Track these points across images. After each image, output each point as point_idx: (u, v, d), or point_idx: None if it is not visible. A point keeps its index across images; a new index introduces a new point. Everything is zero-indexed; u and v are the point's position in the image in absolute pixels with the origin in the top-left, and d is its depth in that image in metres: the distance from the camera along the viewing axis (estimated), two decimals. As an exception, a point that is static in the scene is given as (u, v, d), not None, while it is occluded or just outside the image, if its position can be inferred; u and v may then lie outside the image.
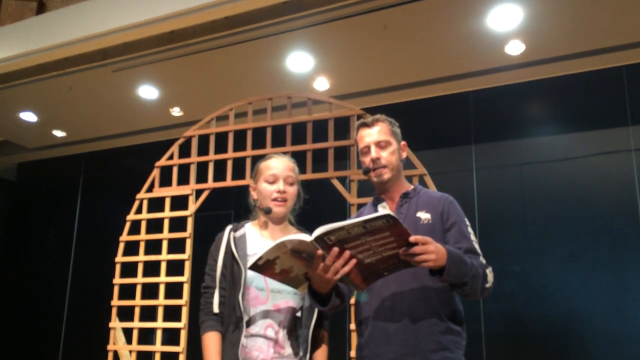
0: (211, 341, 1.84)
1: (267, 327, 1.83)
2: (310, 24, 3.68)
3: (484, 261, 1.79)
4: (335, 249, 1.50)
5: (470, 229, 1.86)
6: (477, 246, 1.82)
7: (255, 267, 1.61)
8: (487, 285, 1.75)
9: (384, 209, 1.91)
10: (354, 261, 1.53)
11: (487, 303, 4.05)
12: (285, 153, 3.03)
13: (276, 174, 1.95)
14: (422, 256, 1.51)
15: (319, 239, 1.49)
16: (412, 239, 1.50)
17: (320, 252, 1.51)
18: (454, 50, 3.93)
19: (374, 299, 1.81)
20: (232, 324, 1.83)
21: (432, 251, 1.52)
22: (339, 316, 1.93)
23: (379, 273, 1.60)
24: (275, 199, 1.93)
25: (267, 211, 1.94)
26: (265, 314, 1.84)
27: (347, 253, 1.51)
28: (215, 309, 1.86)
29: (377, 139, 1.89)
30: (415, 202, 1.89)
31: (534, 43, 3.80)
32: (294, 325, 1.88)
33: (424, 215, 1.84)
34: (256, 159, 2.17)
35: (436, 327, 1.73)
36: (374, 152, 1.88)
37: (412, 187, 1.97)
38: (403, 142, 1.97)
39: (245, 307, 1.84)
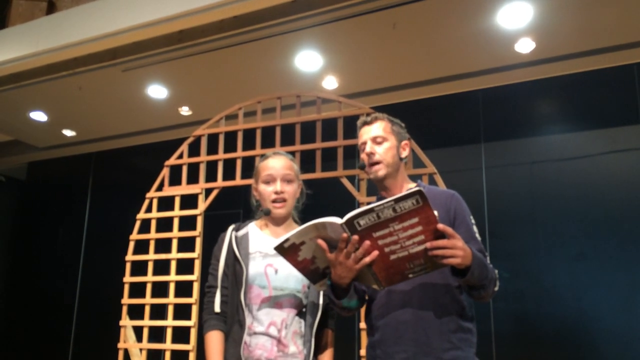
0: (213, 340, 1.84)
1: (270, 325, 1.82)
2: (319, 22, 3.68)
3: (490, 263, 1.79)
4: (356, 237, 1.50)
5: (475, 228, 1.85)
6: (483, 247, 1.81)
7: (280, 248, 1.58)
8: (496, 289, 1.76)
9: None
10: (375, 252, 1.53)
11: (497, 302, 4.03)
12: (294, 152, 3.06)
13: (272, 174, 1.93)
14: (450, 251, 1.50)
15: (348, 222, 1.49)
16: (440, 226, 1.48)
17: (345, 235, 1.51)
18: (463, 49, 3.92)
19: (383, 297, 1.80)
20: (235, 322, 1.83)
21: (460, 247, 1.51)
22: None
23: (403, 274, 1.59)
24: (274, 201, 1.92)
25: (267, 213, 1.93)
26: (268, 312, 1.83)
27: (366, 243, 1.51)
28: (217, 309, 1.86)
29: (373, 135, 1.90)
30: None
31: (544, 41, 3.78)
32: (297, 324, 1.87)
33: None
34: (266, 158, 2.16)
35: (446, 325, 1.72)
36: (369, 147, 1.89)
37: (414, 184, 1.96)
38: (405, 141, 1.96)
39: (248, 306, 1.84)
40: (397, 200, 1.44)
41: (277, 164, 1.95)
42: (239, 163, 3.34)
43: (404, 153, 1.95)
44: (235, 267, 1.87)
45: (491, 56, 4.01)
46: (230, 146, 3.39)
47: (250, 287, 1.85)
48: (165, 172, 3.51)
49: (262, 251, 1.89)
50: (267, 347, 1.80)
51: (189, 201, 3.41)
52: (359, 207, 3.01)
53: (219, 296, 1.88)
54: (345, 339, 4.07)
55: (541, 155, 4.21)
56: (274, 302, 1.84)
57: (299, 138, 3.22)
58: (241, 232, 1.96)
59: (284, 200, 1.93)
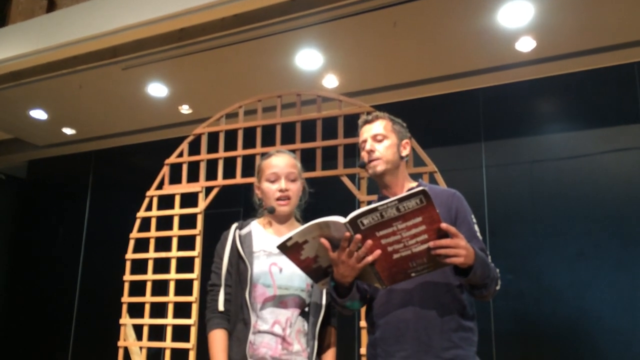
0: (217, 339, 1.84)
1: (274, 323, 1.83)
2: (319, 21, 3.67)
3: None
4: (358, 236, 1.50)
5: (476, 227, 1.85)
6: (484, 246, 1.81)
7: (282, 247, 1.58)
8: (497, 288, 1.76)
9: None
10: (378, 251, 1.53)
11: (497, 301, 4.03)
12: (294, 150, 3.05)
13: (277, 172, 1.93)
14: (453, 250, 1.50)
15: (352, 221, 1.49)
16: (443, 226, 1.48)
17: (348, 234, 1.51)
18: (464, 48, 3.92)
19: (384, 296, 1.81)
20: (240, 321, 1.84)
21: (463, 247, 1.51)
22: (349, 313, 1.91)
23: (406, 273, 1.59)
24: (278, 199, 1.92)
25: (271, 211, 1.94)
26: (272, 311, 1.84)
27: (369, 242, 1.51)
28: (221, 307, 1.87)
29: (374, 133, 1.90)
30: None
31: (545, 40, 3.78)
32: (301, 323, 1.88)
33: None
34: (266, 157, 2.16)
35: (447, 324, 1.72)
36: (369, 144, 1.89)
37: (416, 183, 1.96)
38: (406, 140, 1.96)
39: (252, 305, 1.84)
40: (400, 200, 1.44)
41: (281, 163, 1.96)
42: (239, 161, 3.34)
43: (405, 152, 1.94)
44: (239, 265, 1.88)
45: (492, 55, 4.01)
46: (230, 144, 3.39)
47: (255, 286, 1.85)
48: (165, 171, 3.51)
49: (266, 250, 1.89)
50: (272, 345, 1.81)
51: (189, 199, 3.41)
52: (359, 205, 3.02)
53: (222, 294, 1.88)
54: (346, 338, 4.08)
55: (541, 154, 4.21)
56: (279, 301, 1.85)
57: (299, 136, 3.21)
58: (244, 231, 1.96)
59: (289, 198, 1.93)
